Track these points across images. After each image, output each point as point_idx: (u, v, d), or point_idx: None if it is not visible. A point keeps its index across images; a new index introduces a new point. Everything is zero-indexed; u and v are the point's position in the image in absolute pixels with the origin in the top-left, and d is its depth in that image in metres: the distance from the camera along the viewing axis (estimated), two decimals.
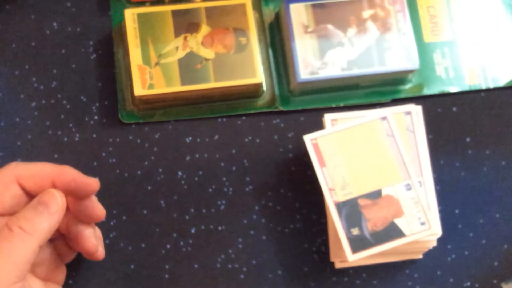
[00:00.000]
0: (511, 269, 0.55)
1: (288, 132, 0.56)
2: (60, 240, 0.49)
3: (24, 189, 0.45)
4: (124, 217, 0.54)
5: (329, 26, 0.55)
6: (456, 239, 0.55)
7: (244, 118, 0.56)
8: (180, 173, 0.55)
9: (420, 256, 0.54)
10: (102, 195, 0.53)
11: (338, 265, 0.54)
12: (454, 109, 0.57)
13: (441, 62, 0.58)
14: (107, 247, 0.53)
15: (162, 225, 0.54)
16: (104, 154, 0.55)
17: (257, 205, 0.55)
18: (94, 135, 0.55)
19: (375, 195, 0.50)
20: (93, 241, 0.48)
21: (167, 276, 0.53)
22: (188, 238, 0.54)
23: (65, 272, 0.50)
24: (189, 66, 0.54)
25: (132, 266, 0.53)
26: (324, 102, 0.56)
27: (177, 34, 0.54)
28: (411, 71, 0.56)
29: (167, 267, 0.53)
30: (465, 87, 0.57)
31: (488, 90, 0.58)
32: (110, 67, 0.56)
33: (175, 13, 0.55)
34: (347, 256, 0.49)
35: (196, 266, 0.53)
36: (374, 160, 0.50)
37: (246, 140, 0.56)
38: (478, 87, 0.57)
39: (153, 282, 0.53)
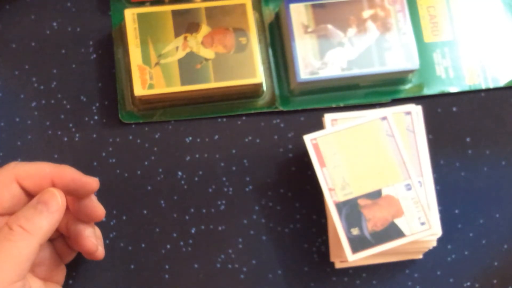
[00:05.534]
0: (511, 269, 0.55)
1: (288, 132, 0.56)
2: (60, 240, 0.49)
3: (23, 189, 0.45)
4: (124, 217, 0.54)
5: (329, 26, 0.55)
6: (456, 239, 0.55)
7: (244, 118, 0.56)
8: (180, 173, 0.55)
9: (420, 256, 0.54)
10: (102, 195, 0.53)
11: (338, 265, 0.54)
12: (454, 109, 0.57)
13: (441, 62, 0.58)
14: (107, 247, 0.53)
15: (162, 225, 0.54)
16: (104, 154, 0.55)
17: (257, 205, 0.55)
18: (94, 135, 0.55)
19: (375, 195, 0.50)
20: (93, 240, 0.48)
21: (167, 276, 0.53)
22: (188, 238, 0.54)
23: (65, 272, 0.50)
24: (189, 66, 0.54)
25: (132, 266, 0.53)
26: (324, 102, 0.56)
27: (177, 34, 0.54)
28: (411, 71, 0.56)
29: (167, 267, 0.53)
30: (465, 87, 0.57)
31: (488, 90, 0.58)
32: (110, 67, 0.56)
33: (175, 13, 0.55)
34: (347, 256, 0.49)
35: (196, 266, 0.53)
36: (374, 160, 0.50)
37: (246, 140, 0.56)
38: (478, 87, 0.57)
39: (153, 282, 0.53)
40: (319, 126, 0.55)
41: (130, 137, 0.55)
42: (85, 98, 0.56)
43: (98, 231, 0.50)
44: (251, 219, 0.54)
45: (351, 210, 0.49)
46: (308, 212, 0.55)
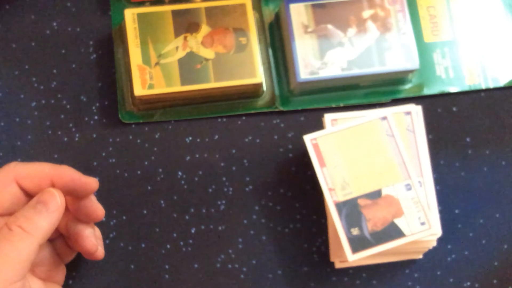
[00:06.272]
0: (511, 269, 0.55)
1: (288, 132, 0.56)
2: (60, 240, 0.49)
3: (23, 189, 0.45)
4: (124, 217, 0.54)
5: (329, 26, 0.55)
6: (456, 239, 0.55)
7: (244, 118, 0.56)
8: (180, 173, 0.55)
9: (420, 256, 0.54)
10: (102, 195, 0.53)
11: (338, 265, 0.54)
12: (454, 109, 0.57)
13: (441, 62, 0.58)
14: (107, 247, 0.53)
15: (162, 225, 0.54)
16: (104, 154, 0.55)
17: (257, 205, 0.55)
18: (94, 135, 0.55)
19: (375, 195, 0.50)
20: (92, 240, 0.48)
21: (167, 276, 0.53)
22: (188, 238, 0.54)
23: (64, 272, 0.50)
24: (189, 66, 0.54)
25: (132, 266, 0.53)
26: (324, 102, 0.56)
27: (177, 34, 0.54)
28: (411, 71, 0.56)
29: (167, 267, 0.53)
30: (465, 87, 0.57)
31: (488, 90, 0.58)
32: (110, 67, 0.56)
33: (175, 13, 0.55)
34: (347, 256, 0.49)
35: (196, 266, 0.53)
36: (374, 160, 0.50)
37: (246, 140, 0.56)
38: (478, 87, 0.57)
39: (153, 282, 0.53)
40: (319, 126, 0.55)
41: (130, 137, 0.55)
42: (85, 98, 0.56)
43: (98, 231, 0.50)
44: (251, 219, 0.54)
45: (351, 210, 0.49)
46: (308, 212, 0.55)
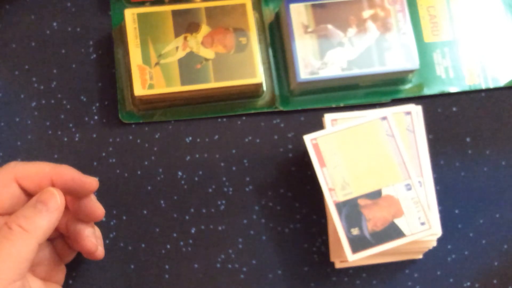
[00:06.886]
0: (511, 269, 0.55)
1: (288, 132, 0.56)
2: (60, 240, 0.49)
3: (23, 189, 0.45)
4: (124, 217, 0.54)
5: (329, 26, 0.55)
6: (456, 239, 0.55)
7: (244, 118, 0.56)
8: (180, 173, 0.55)
9: (420, 256, 0.54)
10: (102, 195, 0.53)
11: (338, 265, 0.54)
12: (454, 109, 0.57)
13: (441, 62, 0.58)
14: (107, 247, 0.53)
15: (162, 225, 0.54)
16: (104, 154, 0.55)
17: (257, 205, 0.55)
18: (94, 135, 0.55)
19: (375, 195, 0.50)
20: (92, 240, 0.48)
21: (167, 276, 0.53)
22: (188, 238, 0.54)
23: (64, 271, 0.50)
24: (189, 66, 0.54)
25: (132, 266, 0.53)
26: (324, 102, 0.56)
27: (177, 34, 0.54)
28: (411, 71, 0.56)
29: (167, 267, 0.53)
30: (465, 87, 0.57)
31: (488, 90, 0.58)
32: (110, 67, 0.56)
33: (175, 13, 0.55)
34: (347, 256, 0.49)
35: (196, 266, 0.53)
36: (374, 160, 0.50)
37: (246, 140, 0.56)
38: (478, 87, 0.57)
39: (153, 282, 0.53)
40: (319, 126, 0.55)
41: (130, 137, 0.55)
42: (85, 98, 0.56)
43: (98, 231, 0.50)
44: (251, 219, 0.54)
45: (351, 210, 0.49)
46: (308, 212, 0.55)
